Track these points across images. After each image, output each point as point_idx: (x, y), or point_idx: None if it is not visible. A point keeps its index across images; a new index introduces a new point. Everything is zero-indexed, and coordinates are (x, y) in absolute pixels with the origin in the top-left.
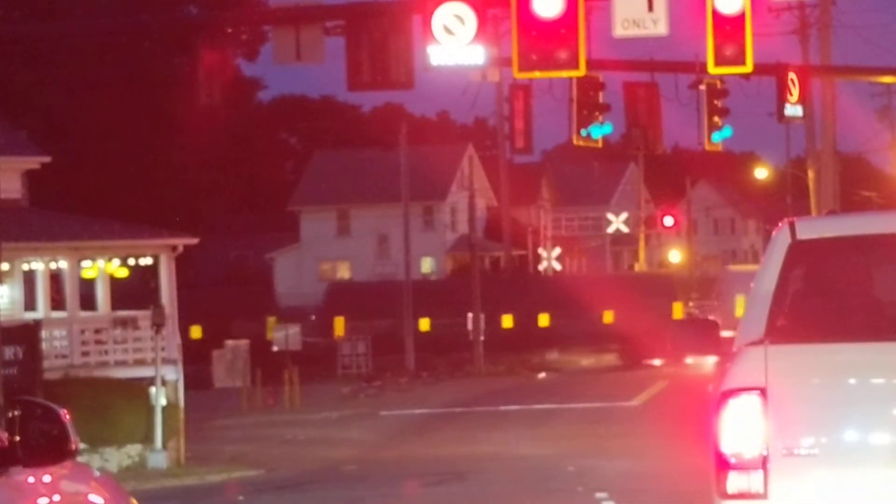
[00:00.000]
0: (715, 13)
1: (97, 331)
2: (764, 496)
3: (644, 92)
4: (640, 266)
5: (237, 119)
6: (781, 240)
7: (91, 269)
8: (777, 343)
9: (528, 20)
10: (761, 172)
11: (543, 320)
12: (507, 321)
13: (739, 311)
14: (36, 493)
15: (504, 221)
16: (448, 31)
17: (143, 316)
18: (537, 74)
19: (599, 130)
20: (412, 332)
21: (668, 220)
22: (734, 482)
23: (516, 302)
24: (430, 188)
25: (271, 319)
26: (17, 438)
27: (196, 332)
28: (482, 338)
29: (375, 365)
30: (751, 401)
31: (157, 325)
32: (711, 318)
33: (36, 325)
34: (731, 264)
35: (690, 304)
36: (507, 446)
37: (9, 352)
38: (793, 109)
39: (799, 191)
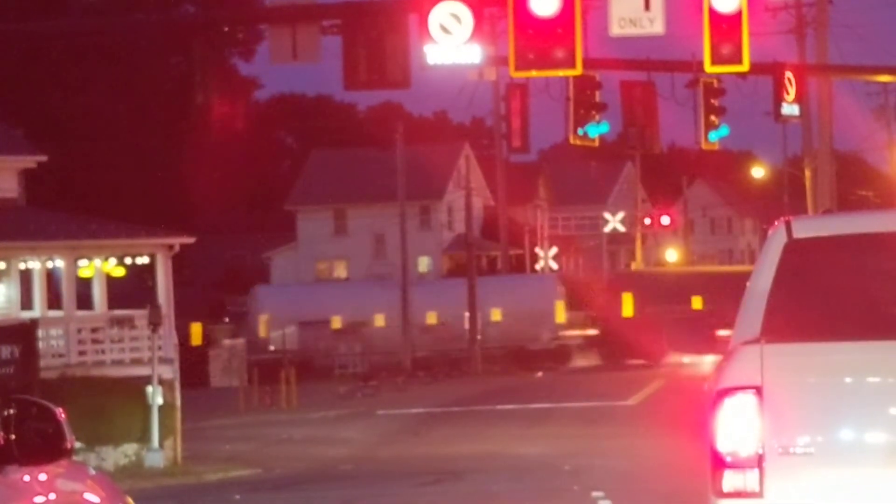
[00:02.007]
0: (711, 12)
1: (94, 330)
2: (760, 495)
3: (641, 91)
4: (637, 265)
5: (234, 118)
6: (777, 239)
7: (88, 268)
8: (773, 342)
9: (524, 19)
10: (758, 171)
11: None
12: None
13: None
14: (31, 492)
15: (501, 221)
16: (445, 30)
17: (140, 315)
18: (534, 73)
19: (596, 129)
20: (409, 330)
21: (665, 220)
22: (730, 481)
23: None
24: (427, 187)
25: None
26: (13, 437)
27: (196, 331)
28: (479, 337)
29: (372, 364)
30: (746, 400)
31: (154, 324)
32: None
33: (32, 325)
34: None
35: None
36: (503, 445)
37: (5, 351)
38: (789, 108)
39: (796, 190)
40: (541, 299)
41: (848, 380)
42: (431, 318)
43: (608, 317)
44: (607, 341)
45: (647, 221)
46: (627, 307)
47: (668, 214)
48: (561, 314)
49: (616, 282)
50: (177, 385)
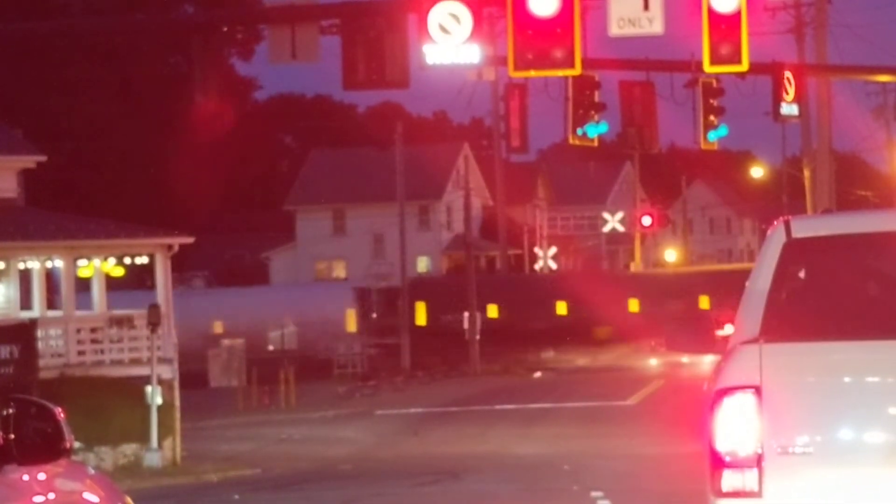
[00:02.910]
0: (711, 12)
1: (93, 330)
2: (758, 495)
3: (640, 91)
4: (636, 265)
5: (233, 118)
6: (777, 238)
7: (87, 268)
8: (772, 341)
9: (523, 19)
10: (757, 171)
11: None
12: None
13: None
14: (31, 492)
15: (500, 221)
16: (444, 29)
17: (139, 315)
18: (533, 73)
19: (595, 129)
20: (408, 330)
21: (647, 220)
22: (729, 480)
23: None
24: (426, 187)
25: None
26: (12, 437)
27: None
28: (477, 337)
29: (371, 364)
30: (745, 399)
31: (153, 324)
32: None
33: (32, 324)
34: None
35: None
36: (502, 445)
37: (4, 351)
38: (789, 108)
39: (795, 190)
40: (331, 308)
41: (847, 379)
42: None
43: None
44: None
45: (648, 221)
46: (421, 316)
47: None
48: (351, 323)
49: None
50: (176, 385)
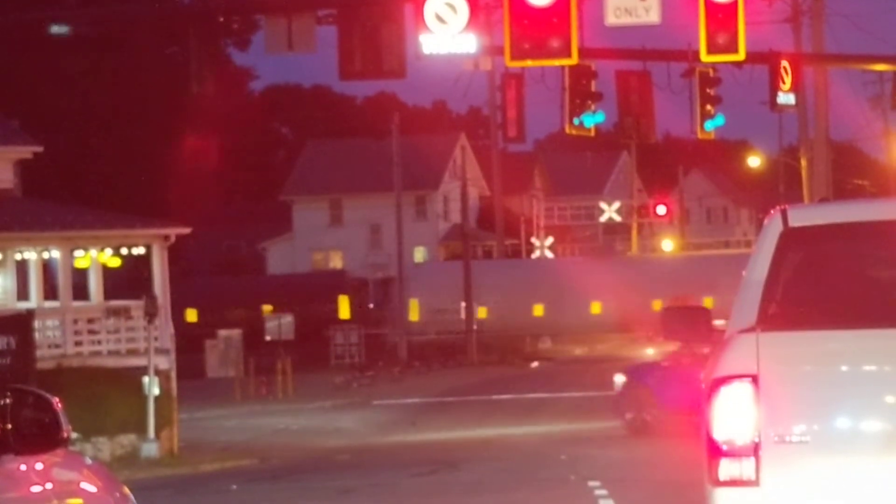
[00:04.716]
0: (707, 1)
1: (90, 320)
2: (756, 483)
3: (636, 81)
4: (633, 255)
5: (229, 108)
6: (773, 227)
7: (84, 258)
8: (769, 330)
9: (520, 9)
10: (754, 161)
11: (538, 310)
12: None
13: None
14: (28, 481)
15: (497, 211)
16: (440, 19)
17: (136, 306)
18: (529, 63)
19: (592, 119)
20: (404, 321)
21: (661, 209)
22: (726, 469)
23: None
24: (423, 178)
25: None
26: (10, 426)
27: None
28: (475, 327)
29: (368, 355)
30: (742, 388)
31: (150, 314)
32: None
33: (29, 315)
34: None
35: None
36: (499, 435)
37: (1, 342)
38: (785, 97)
39: (792, 179)
40: None
41: (844, 368)
42: None
43: None
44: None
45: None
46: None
47: (664, 203)
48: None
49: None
50: (173, 375)
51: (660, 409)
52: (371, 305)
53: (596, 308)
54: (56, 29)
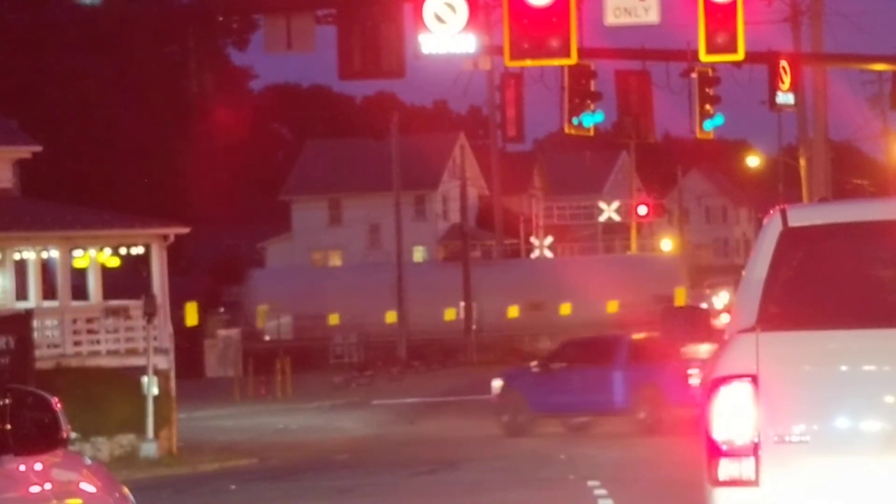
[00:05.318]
0: (706, 1)
1: (89, 320)
2: (755, 483)
3: (636, 80)
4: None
5: (228, 108)
6: (773, 227)
7: (82, 258)
8: (768, 330)
9: (519, 8)
10: (753, 160)
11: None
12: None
13: None
14: (27, 482)
15: (496, 210)
16: (439, 19)
17: (135, 305)
18: (529, 63)
19: (591, 119)
20: (404, 321)
21: (643, 209)
22: (726, 469)
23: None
24: (422, 177)
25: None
26: (9, 427)
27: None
28: (474, 326)
29: (367, 354)
30: (742, 388)
31: (149, 314)
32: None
33: (27, 315)
34: None
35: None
36: (498, 435)
37: (0, 341)
38: (784, 97)
39: (791, 179)
40: None
41: (843, 368)
42: None
43: None
44: None
45: (644, 210)
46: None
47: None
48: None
49: None
50: (172, 375)
51: (531, 412)
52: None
53: (450, 314)
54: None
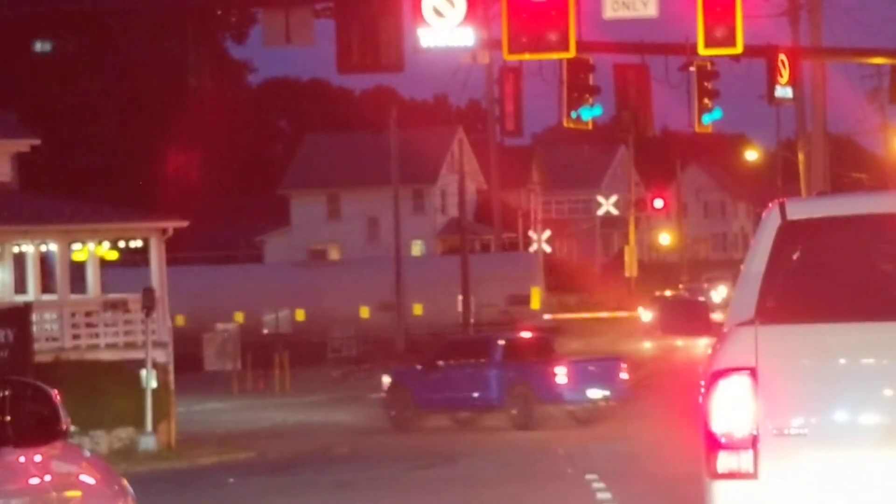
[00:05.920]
0: None
1: (88, 314)
2: (754, 476)
3: (634, 74)
4: (631, 249)
5: (227, 102)
6: (772, 220)
7: (81, 251)
8: (767, 323)
9: (518, 2)
10: (751, 154)
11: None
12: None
13: None
14: (27, 474)
15: (494, 204)
16: (438, 13)
17: (134, 299)
18: (527, 56)
19: (589, 113)
20: (402, 314)
21: (659, 203)
22: (724, 462)
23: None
24: (421, 171)
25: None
26: (8, 419)
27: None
28: (472, 320)
29: (365, 348)
30: (741, 381)
31: (148, 308)
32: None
33: (26, 308)
34: None
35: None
36: (496, 429)
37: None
38: (783, 91)
39: (789, 173)
40: None
41: (842, 361)
42: None
43: None
44: None
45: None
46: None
47: (661, 197)
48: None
49: None
50: (171, 369)
51: (416, 408)
52: None
53: (300, 315)
54: (40, 47)
